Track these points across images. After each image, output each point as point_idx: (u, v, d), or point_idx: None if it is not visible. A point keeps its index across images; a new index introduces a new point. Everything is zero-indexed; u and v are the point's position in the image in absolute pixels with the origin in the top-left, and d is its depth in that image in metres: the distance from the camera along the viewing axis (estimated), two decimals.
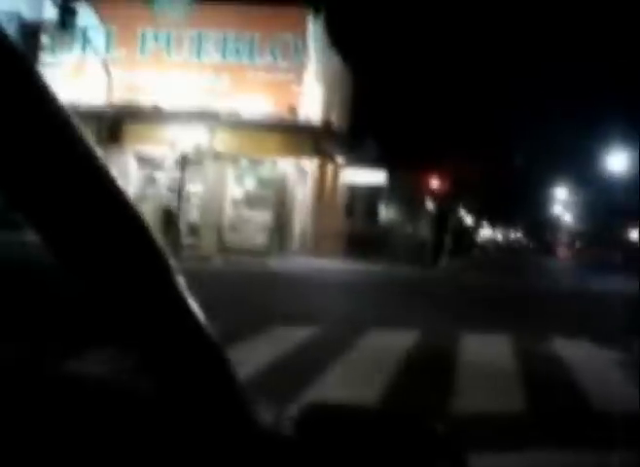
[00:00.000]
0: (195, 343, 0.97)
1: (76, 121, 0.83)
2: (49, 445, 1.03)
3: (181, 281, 0.95)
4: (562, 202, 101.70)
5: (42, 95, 0.81)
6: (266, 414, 1.10)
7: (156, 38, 31.90)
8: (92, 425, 1.06)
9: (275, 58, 31.54)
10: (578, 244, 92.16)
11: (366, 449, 1.13)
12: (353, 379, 8.17)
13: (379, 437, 1.14)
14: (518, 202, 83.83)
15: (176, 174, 29.27)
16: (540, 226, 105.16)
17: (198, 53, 31.74)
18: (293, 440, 1.11)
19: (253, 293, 17.04)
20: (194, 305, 0.96)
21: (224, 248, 29.03)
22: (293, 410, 1.16)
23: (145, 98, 30.31)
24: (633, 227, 76.90)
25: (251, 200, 31.69)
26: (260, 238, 30.83)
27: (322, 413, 1.18)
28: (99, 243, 0.88)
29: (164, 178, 31.22)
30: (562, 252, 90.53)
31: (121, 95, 29.95)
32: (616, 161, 64.33)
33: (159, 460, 1.04)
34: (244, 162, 31.69)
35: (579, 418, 7.31)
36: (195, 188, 30.50)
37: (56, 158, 0.83)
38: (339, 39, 35.33)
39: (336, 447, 1.13)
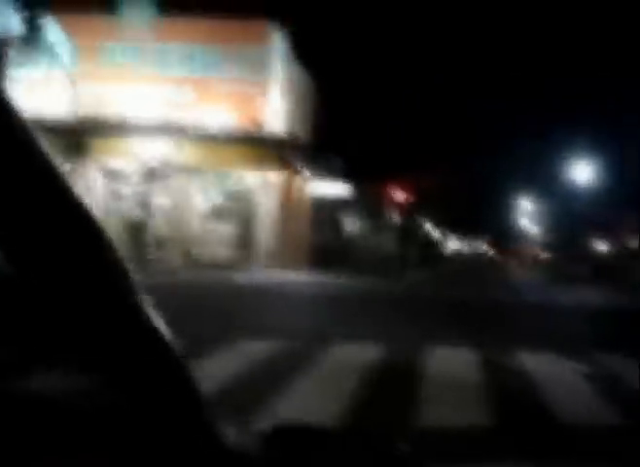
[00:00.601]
0: (159, 360, 0.96)
1: (37, 134, 0.83)
2: None
3: (145, 298, 0.94)
4: (528, 213, 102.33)
5: (3, 109, 0.80)
6: (230, 432, 1.06)
7: (121, 51, 31.83)
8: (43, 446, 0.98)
9: (240, 72, 31.56)
10: (544, 255, 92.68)
11: None
12: (318, 394, 8.16)
13: (342, 458, 1.14)
14: (484, 214, 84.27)
15: (142, 188, 29.23)
16: (506, 237, 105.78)
17: (164, 67, 31.70)
18: (258, 459, 1.09)
19: (218, 306, 17.02)
20: (157, 322, 0.95)
21: (190, 262, 28.99)
22: (258, 429, 1.13)
23: (111, 112, 30.21)
24: (599, 238, 77.50)
25: (217, 213, 31.68)
26: (226, 251, 30.84)
27: (286, 433, 1.16)
28: (60, 261, 0.87)
29: (130, 192, 31.11)
30: (529, 263, 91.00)
31: (86, 109, 29.86)
32: (580, 172, 64.87)
33: None
34: (210, 175, 31.67)
35: (544, 431, 7.31)
36: (161, 201, 30.44)
37: (16, 172, 0.83)
38: (305, 53, 35.46)
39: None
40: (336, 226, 43.66)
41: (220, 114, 30.43)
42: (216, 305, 17.27)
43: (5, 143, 0.82)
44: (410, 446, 1.18)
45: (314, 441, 1.16)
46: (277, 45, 32.41)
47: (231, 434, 1.07)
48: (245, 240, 31.10)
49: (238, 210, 31.35)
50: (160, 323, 0.94)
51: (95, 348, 0.92)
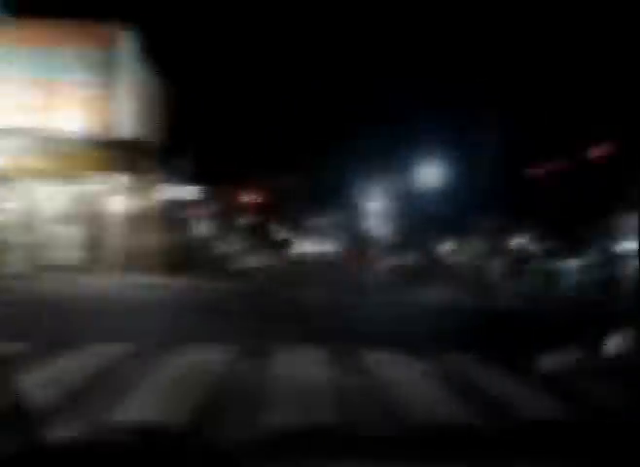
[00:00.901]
0: None
1: None
2: None
3: None
4: (376, 215, 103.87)
5: None
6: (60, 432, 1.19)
7: None
8: None
9: (88, 74, 31.22)
10: (390, 257, 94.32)
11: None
12: (162, 397, 8.23)
13: (174, 455, 1.24)
14: (333, 215, 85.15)
15: None
16: (354, 239, 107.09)
17: (8, 69, 31.06)
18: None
19: (64, 310, 16.87)
20: None
21: (36, 266, 28.53)
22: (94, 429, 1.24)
23: None
24: (445, 239, 79.45)
25: (65, 217, 31.23)
26: (73, 256, 30.43)
27: (122, 432, 1.25)
28: None
29: None
30: (376, 264, 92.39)
31: None
32: (426, 174, 66.42)
33: None
34: (58, 179, 31.19)
35: (388, 430, 7.45)
36: (7, 206, 29.82)
37: None
38: (156, 55, 35.33)
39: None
40: (185, 228, 43.60)
41: (68, 117, 30.06)
42: (62, 309, 17.11)
43: None
44: (246, 445, 1.37)
45: (150, 440, 1.25)
46: (126, 47, 32.19)
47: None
48: (93, 244, 30.79)
49: (87, 214, 31.00)
50: None
51: None
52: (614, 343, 12.58)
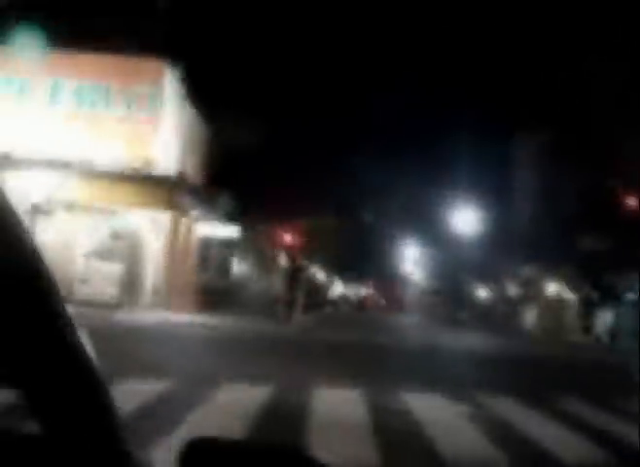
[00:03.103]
0: (83, 386, 0.98)
1: None
2: None
3: (73, 324, 0.95)
4: (412, 260, 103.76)
5: None
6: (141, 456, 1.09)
7: (8, 84, 31.24)
8: None
9: (131, 109, 31.32)
10: (427, 301, 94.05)
11: None
12: (205, 434, 7.98)
13: None
14: (369, 259, 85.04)
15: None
16: (390, 282, 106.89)
17: (53, 101, 31.23)
18: None
19: (101, 347, 16.63)
20: (85, 348, 0.97)
21: (73, 300, 28.36)
22: (174, 444, 1.19)
23: None
24: (480, 285, 79.06)
25: (103, 252, 31.10)
26: (111, 291, 30.23)
27: (203, 447, 1.17)
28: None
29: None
30: (411, 308, 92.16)
31: None
32: (462, 221, 66.22)
33: None
34: (96, 213, 31.12)
35: None
36: (44, 238, 29.70)
37: None
38: (198, 94, 35.42)
39: None
40: (223, 267, 43.47)
41: (109, 151, 30.08)
42: (99, 345, 16.90)
43: None
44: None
45: (229, 453, 1.18)
46: (170, 84, 32.28)
47: (142, 457, 1.10)
48: (131, 280, 30.62)
49: (124, 249, 30.86)
50: (86, 350, 0.98)
51: (24, 373, 0.94)
52: None
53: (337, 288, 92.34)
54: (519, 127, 63.94)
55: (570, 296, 54.48)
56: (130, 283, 30.46)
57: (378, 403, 11.23)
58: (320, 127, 55.46)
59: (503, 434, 9.49)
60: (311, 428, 8.87)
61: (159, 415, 8.91)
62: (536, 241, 52.98)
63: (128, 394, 10.12)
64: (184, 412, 9.18)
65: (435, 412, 10.87)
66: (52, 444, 0.98)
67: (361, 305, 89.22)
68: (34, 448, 1.02)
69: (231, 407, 9.89)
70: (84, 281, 30.34)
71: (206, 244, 39.72)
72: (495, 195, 67.38)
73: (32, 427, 1.01)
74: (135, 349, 16.65)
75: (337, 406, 10.70)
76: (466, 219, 65.39)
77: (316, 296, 58.71)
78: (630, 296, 43.26)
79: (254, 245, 45.68)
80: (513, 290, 66.96)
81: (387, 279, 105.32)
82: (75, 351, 0.97)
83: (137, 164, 30.18)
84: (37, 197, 27.88)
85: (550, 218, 52.89)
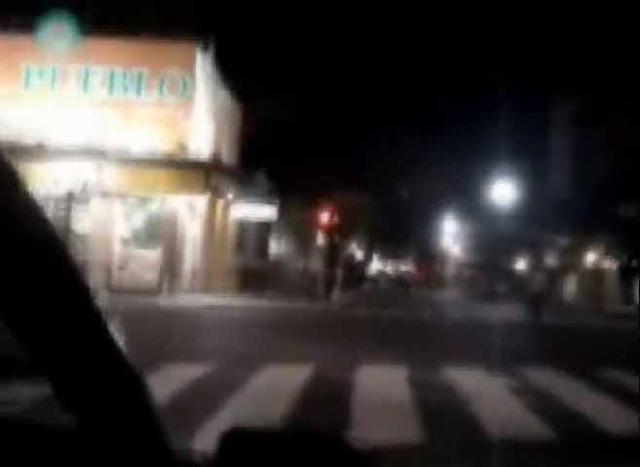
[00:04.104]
0: (118, 374, 0.98)
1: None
2: None
3: (103, 314, 0.95)
4: (450, 234, 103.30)
5: None
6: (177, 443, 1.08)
7: (40, 73, 31.34)
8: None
9: (163, 94, 31.32)
10: (466, 275, 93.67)
11: None
12: (249, 415, 7.98)
13: (300, 457, 1.14)
14: (408, 236, 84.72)
15: (62, 213, 28.60)
16: (429, 258, 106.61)
17: (85, 89, 31.29)
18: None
19: (143, 332, 16.74)
20: (116, 338, 0.97)
21: (112, 287, 28.47)
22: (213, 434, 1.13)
23: (29, 135, 29.54)
24: (519, 256, 78.58)
25: (140, 238, 31.19)
26: (149, 277, 30.31)
27: (241, 436, 1.15)
28: (25, 276, 0.89)
29: (50, 217, 30.42)
30: (451, 283, 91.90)
31: (3, 133, 29.23)
32: (500, 192, 65.74)
33: None
34: (133, 199, 31.20)
35: (475, 446, 7.32)
36: (81, 226, 29.83)
37: None
38: (229, 73, 35.31)
39: None
40: (261, 248, 43.50)
41: (143, 137, 30.10)
42: (141, 330, 16.98)
43: None
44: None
45: (269, 442, 1.16)
46: (201, 66, 32.22)
47: (178, 444, 1.09)
48: (169, 265, 30.69)
49: (162, 234, 30.91)
50: (117, 339, 0.97)
51: (58, 363, 0.94)
52: None
53: (376, 265, 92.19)
54: (556, 94, 63.37)
55: (609, 265, 53.96)
56: (169, 268, 30.54)
57: (421, 378, 11.20)
58: (354, 103, 55.19)
59: (546, 406, 9.43)
60: (354, 406, 8.84)
61: (202, 398, 8.89)
62: (573, 210, 52.45)
63: (171, 377, 10.15)
64: (227, 393, 9.16)
65: (478, 385, 10.81)
66: (86, 437, 0.98)
67: (400, 281, 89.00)
68: (69, 442, 1.02)
69: (273, 387, 9.88)
70: (122, 268, 30.47)
71: (243, 226, 39.75)
72: (532, 164, 66.85)
73: (67, 421, 1.01)
74: (176, 333, 16.71)
75: (379, 382, 10.67)
76: (503, 190, 64.91)
77: (355, 273, 58.63)
78: None
79: (291, 225, 45.64)
80: (551, 260, 66.51)
81: (426, 255, 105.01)
82: (106, 342, 0.96)
83: (171, 149, 30.18)
84: (72, 185, 28.01)
85: (587, 185, 52.35)
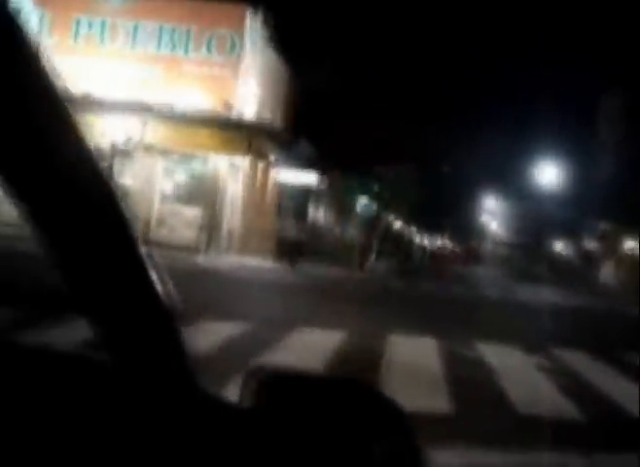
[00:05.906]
0: (151, 312, 0.99)
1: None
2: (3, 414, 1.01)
3: (143, 252, 0.99)
4: (490, 212, 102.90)
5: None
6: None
7: (90, 25, 31.37)
8: (47, 395, 1.04)
9: (211, 53, 31.24)
10: (504, 254, 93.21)
11: (318, 412, 1.12)
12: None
13: (331, 401, 1.14)
14: (447, 210, 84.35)
15: (105, 165, 28.67)
16: (467, 233, 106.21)
17: (133, 44, 31.27)
18: (241, 406, 1.11)
19: (181, 286, 16.78)
20: (152, 275, 0.99)
21: (150, 241, 28.60)
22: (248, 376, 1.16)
23: (76, 86, 29.59)
24: (558, 238, 78.18)
25: (181, 195, 31.30)
26: (188, 234, 30.40)
27: (273, 378, 1.17)
28: (71, 213, 0.92)
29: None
30: (488, 261, 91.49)
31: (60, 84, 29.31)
32: (544, 174, 65.31)
33: (113, 428, 1.03)
34: (175, 156, 31.27)
35: (502, 421, 7.36)
36: (123, 181, 29.94)
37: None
38: (279, 37, 35.14)
39: (289, 411, 1.11)
40: (301, 214, 43.48)
41: (189, 94, 30.07)
42: (179, 285, 17.03)
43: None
44: None
45: (304, 386, 1.17)
46: (251, 27, 32.08)
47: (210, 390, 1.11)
48: (208, 224, 30.74)
49: (203, 193, 30.95)
50: (153, 277, 1.00)
51: (96, 299, 0.96)
52: None
53: (415, 237, 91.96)
54: (607, 82, 62.66)
55: None
56: (208, 227, 30.59)
57: (452, 351, 11.25)
58: (402, 74, 54.82)
59: (574, 386, 9.51)
60: (384, 373, 8.88)
61: (234, 354, 8.95)
62: (616, 197, 52.03)
63: (207, 333, 10.20)
64: (259, 351, 9.27)
65: (508, 362, 10.87)
66: (121, 374, 1.00)
67: (435, 259, 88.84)
68: (104, 375, 1.05)
69: (305, 349, 9.94)
70: (161, 223, 30.57)
71: (284, 190, 39.71)
72: (578, 149, 66.31)
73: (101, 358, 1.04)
74: (214, 292, 16.77)
75: (410, 352, 10.72)
76: (548, 173, 64.47)
77: (393, 244, 58.47)
78: None
79: (331, 192, 45.58)
80: (590, 245, 66.17)
81: (464, 230, 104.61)
82: (147, 288, 0.98)
83: (216, 108, 30.15)
84: (116, 138, 28.07)
85: (632, 173, 51.85)
